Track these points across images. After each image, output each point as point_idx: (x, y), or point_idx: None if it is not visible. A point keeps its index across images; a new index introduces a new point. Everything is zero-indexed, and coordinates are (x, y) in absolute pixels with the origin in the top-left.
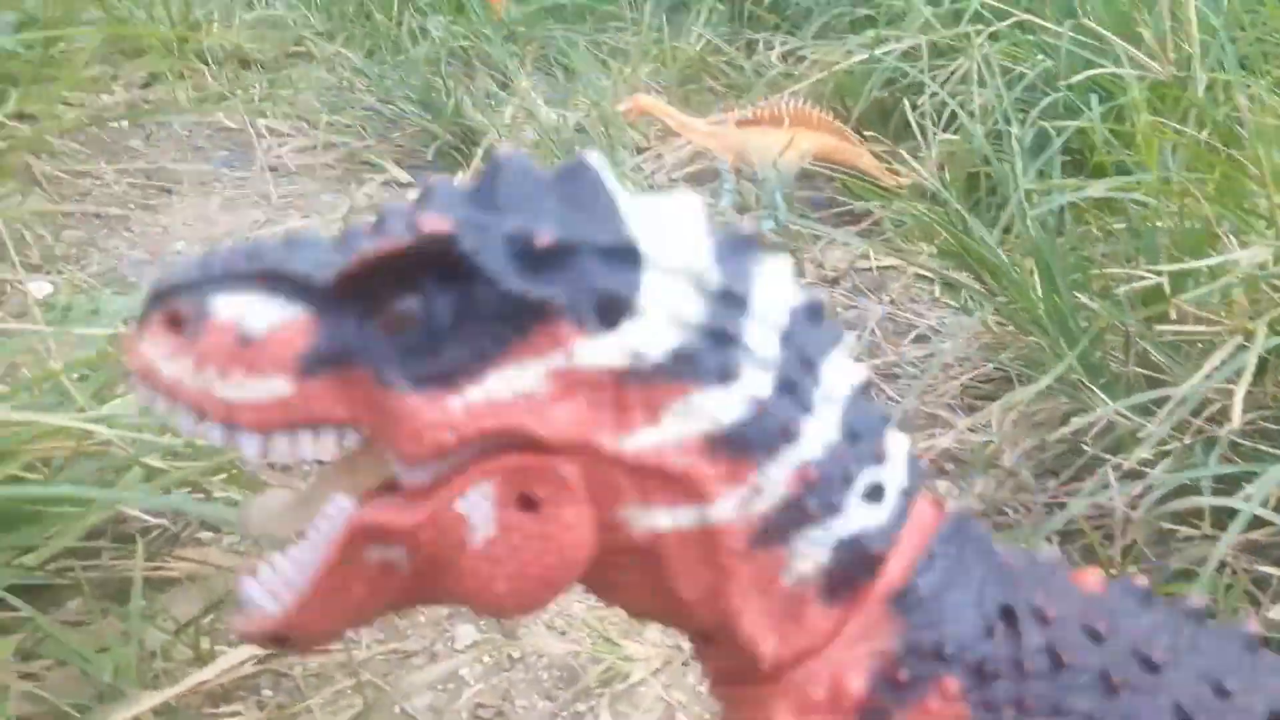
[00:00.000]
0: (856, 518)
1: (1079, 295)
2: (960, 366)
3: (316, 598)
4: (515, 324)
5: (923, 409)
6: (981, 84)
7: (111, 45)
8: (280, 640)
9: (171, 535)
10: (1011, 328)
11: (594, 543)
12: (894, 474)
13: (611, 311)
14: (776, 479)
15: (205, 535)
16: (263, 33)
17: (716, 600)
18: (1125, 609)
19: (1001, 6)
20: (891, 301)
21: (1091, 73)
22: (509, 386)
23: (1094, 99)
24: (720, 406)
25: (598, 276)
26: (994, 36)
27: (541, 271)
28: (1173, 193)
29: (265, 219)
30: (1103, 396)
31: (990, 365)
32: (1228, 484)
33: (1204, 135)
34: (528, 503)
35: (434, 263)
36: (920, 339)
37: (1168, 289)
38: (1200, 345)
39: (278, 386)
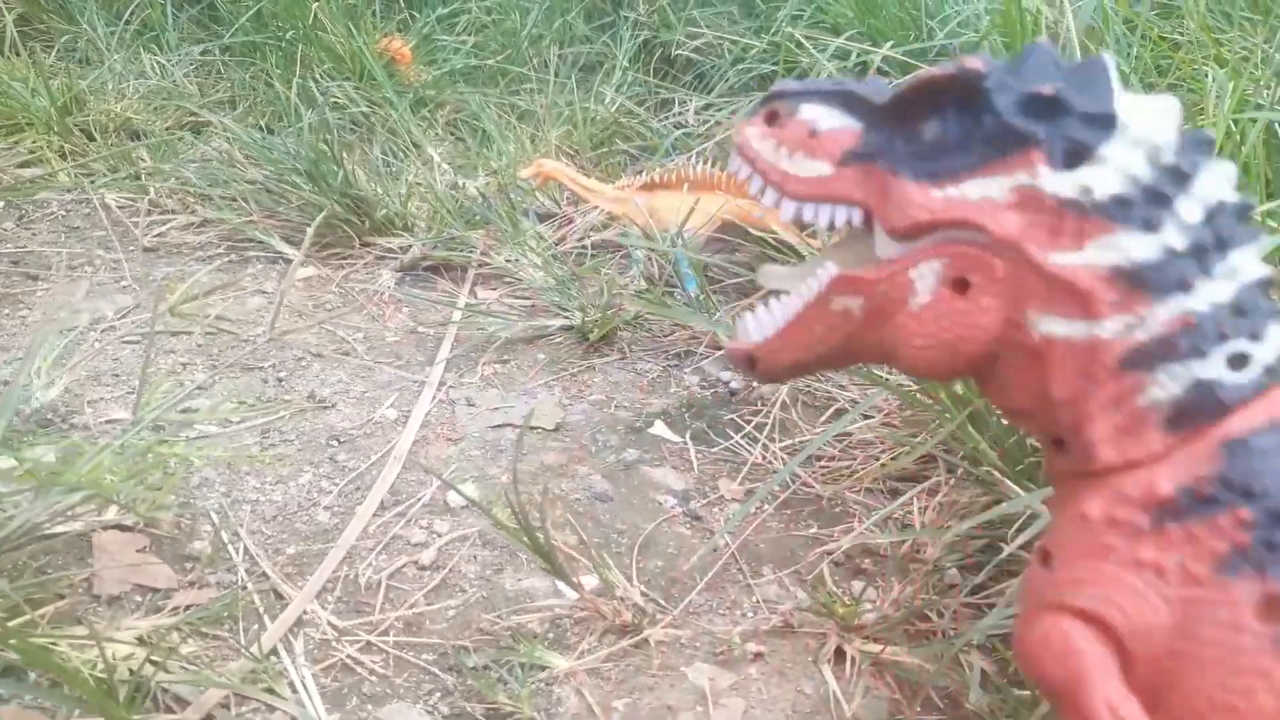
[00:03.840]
0: (1216, 369)
1: None
2: (880, 445)
3: (789, 331)
4: (1001, 147)
5: (841, 492)
6: None
7: None
8: (751, 362)
9: None
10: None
11: (998, 334)
12: (1265, 353)
13: (1076, 156)
14: (1161, 316)
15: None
16: (158, 104)
17: (1078, 404)
18: None
19: (908, 61)
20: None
21: None
22: (979, 191)
23: None
24: (1138, 247)
25: (1075, 129)
26: None
27: (1035, 117)
28: None
29: (134, 304)
30: (1014, 487)
31: (914, 443)
32: None
33: None
34: (960, 286)
35: (961, 94)
36: (840, 414)
37: None
38: None
39: (822, 168)
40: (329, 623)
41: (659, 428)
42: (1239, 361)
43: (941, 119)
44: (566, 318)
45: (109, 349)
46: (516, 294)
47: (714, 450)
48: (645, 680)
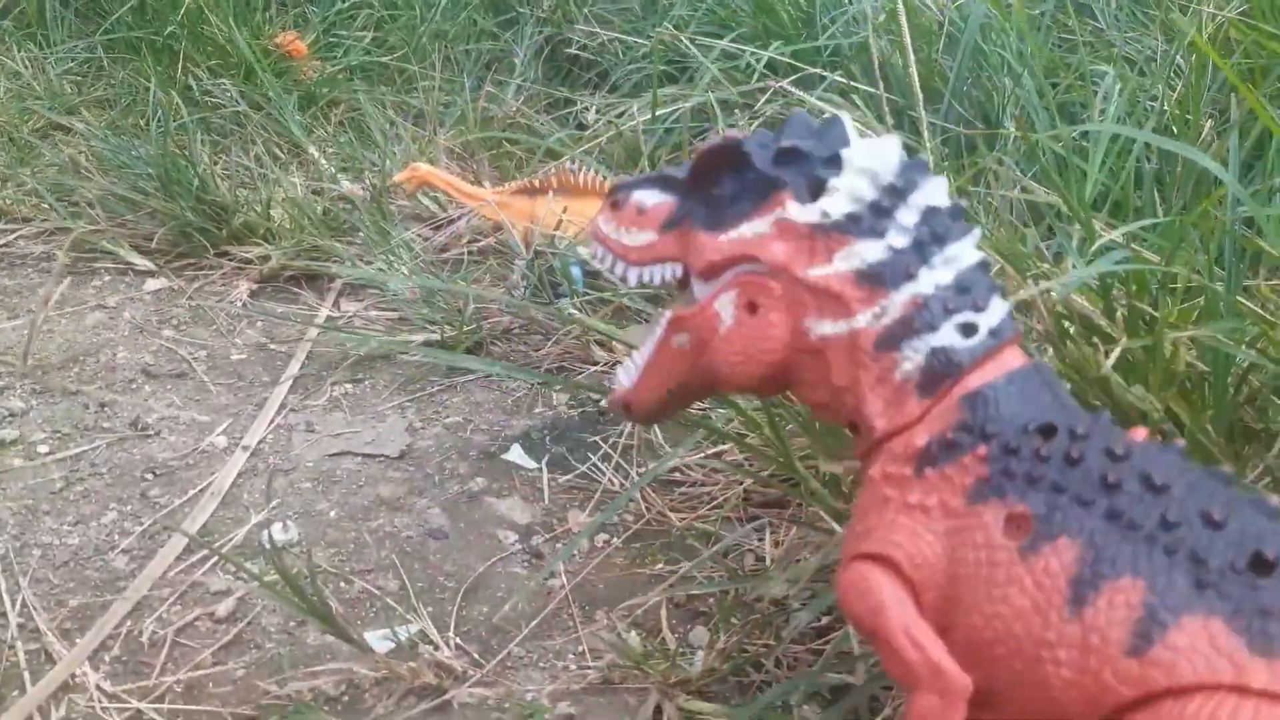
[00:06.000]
0: (948, 338)
1: None
2: (750, 467)
3: (647, 373)
4: (762, 193)
5: (696, 524)
6: None
7: None
8: (628, 407)
9: None
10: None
11: (788, 342)
12: (987, 320)
13: (816, 190)
14: (897, 302)
15: None
16: (30, 103)
17: (854, 388)
18: (1151, 450)
19: (793, 63)
20: None
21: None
22: (751, 230)
23: None
24: (869, 252)
25: (813, 170)
26: (783, 93)
27: (784, 166)
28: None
29: None
30: (837, 526)
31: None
32: None
33: (1016, 194)
34: (752, 308)
35: (731, 162)
36: (710, 435)
37: None
38: None
39: (649, 236)
40: (98, 687)
41: (515, 453)
42: (968, 329)
43: (722, 181)
44: (431, 331)
45: None
46: (383, 306)
47: (568, 477)
48: None
